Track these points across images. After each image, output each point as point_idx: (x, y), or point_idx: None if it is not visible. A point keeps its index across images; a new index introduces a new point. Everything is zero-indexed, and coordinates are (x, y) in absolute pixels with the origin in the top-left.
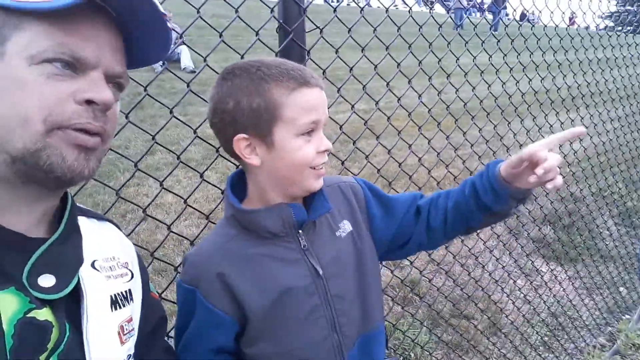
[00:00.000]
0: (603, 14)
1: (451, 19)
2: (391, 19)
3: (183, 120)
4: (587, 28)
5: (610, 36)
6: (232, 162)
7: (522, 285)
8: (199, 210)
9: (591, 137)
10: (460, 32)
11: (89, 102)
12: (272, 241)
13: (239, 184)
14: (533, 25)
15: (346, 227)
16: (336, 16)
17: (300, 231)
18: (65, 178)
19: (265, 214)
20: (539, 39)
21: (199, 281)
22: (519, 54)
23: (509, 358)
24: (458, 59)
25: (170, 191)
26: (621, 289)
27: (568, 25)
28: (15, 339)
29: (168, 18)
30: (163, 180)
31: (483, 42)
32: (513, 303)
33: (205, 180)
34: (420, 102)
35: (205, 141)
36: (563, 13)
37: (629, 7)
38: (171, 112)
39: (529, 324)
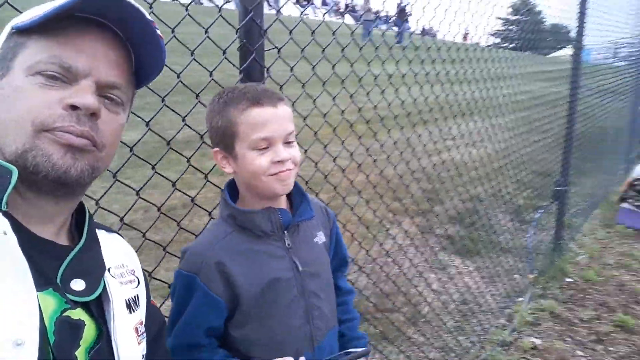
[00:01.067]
0: (492, 31)
1: (360, 30)
2: (307, 26)
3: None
4: (477, 44)
5: (497, 51)
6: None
7: (436, 279)
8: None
9: (485, 145)
10: (368, 43)
11: (73, 107)
12: (263, 239)
13: (233, 189)
14: (432, 38)
15: (322, 236)
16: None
17: (285, 232)
18: (51, 177)
19: (258, 215)
20: (439, 50)
21: (199, 269)
22: (423, 63)
23: (431, 342)
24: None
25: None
26: (515, 276)
27: (463, 41)
28: (56, 335)
29: (156, 26)
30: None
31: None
32: (434, 295)
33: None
34: (337, 108)
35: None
36: (458, 31)
37: (510, 27)
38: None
39: (444, 312)
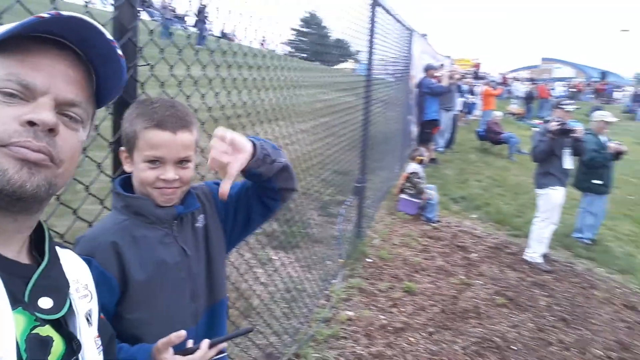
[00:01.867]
0: (285, 41)
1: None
2: None
3: None
4: (273, 51)
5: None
6: None
7: (262, 273)
8: None
9: (296, 148)
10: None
11: (30, 123)
12: (154, 226)
13: (127, 184)
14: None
15: (202, 220)
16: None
17: (175, 221)
18: (6, 191)
19: (153, 203)
20: (245, 55)
21: (95, 252)
22: (225, 66)
23: (262, 331)
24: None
25: None
26: (328, 262)
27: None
28: (27, 353)
29: (117, 45)
30: None
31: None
32: (262, 287)
33: None
34: None
35: None
36: (254, 38)
37: (302, 38)
38: None
39: (273, 301)
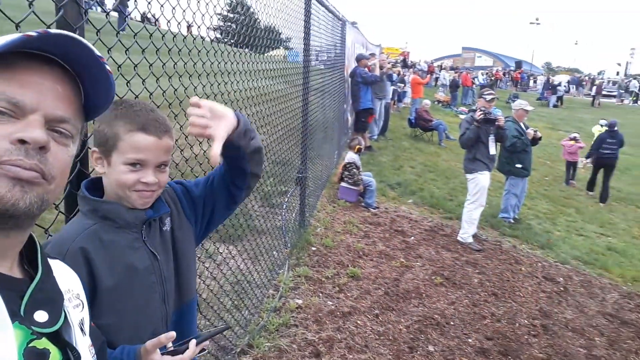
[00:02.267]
0: (212, 26)
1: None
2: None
3: None
4: (202, 38)
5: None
6: None
7: (209, 267)
8: None
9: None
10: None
11: (22, 141)
12: (124, 230)
13: (93, 187)
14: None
15: (169, 223)
16: None
17: (144, 225)
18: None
19: (122, 207)
20: (164, 40)
21: (64, 256)
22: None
23: (214, 322)
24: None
25: None
26: (274, 252)
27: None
28: None
29: (105, 61)
30: None
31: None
32: (211, 282)
33: None
34: None
35: None
36: (179, 23)
37: (229, 24)
38: None
39: (222, 294)
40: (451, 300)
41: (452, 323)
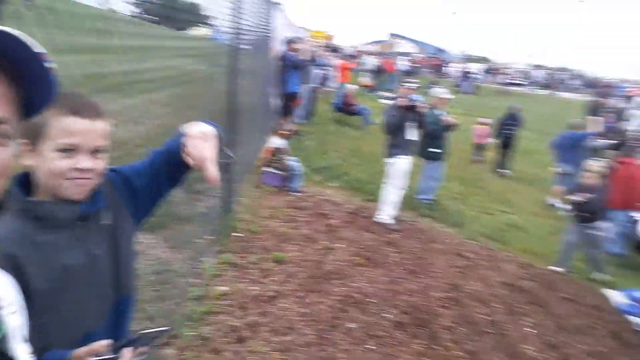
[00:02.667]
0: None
1: None
2: None
3: None
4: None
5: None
6: None
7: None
8: None
9: (145, 122)
10: None
11: None
12: (57, 229)
13: (25, 183)
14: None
15: (107, 217)
16: None
17: (78, 222)
18: None
19: (55, 205)
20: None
21: None
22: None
23: (153, 317)
24: None
25: None
26: (197, 240)
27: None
28: None
29: (45, 58)
30: None
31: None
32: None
33: None
34: None
35: None
36: None
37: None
38: None
39: (141, 285)
40: (371, 279)
41: (372, 300)
